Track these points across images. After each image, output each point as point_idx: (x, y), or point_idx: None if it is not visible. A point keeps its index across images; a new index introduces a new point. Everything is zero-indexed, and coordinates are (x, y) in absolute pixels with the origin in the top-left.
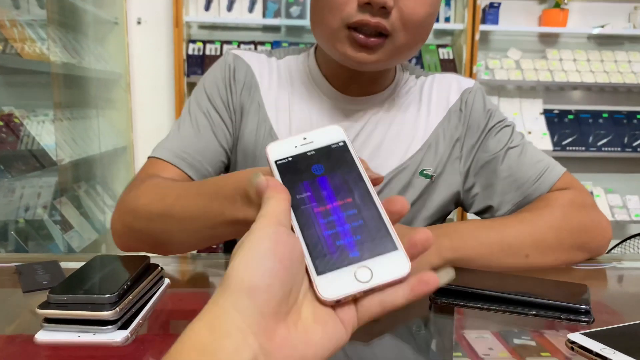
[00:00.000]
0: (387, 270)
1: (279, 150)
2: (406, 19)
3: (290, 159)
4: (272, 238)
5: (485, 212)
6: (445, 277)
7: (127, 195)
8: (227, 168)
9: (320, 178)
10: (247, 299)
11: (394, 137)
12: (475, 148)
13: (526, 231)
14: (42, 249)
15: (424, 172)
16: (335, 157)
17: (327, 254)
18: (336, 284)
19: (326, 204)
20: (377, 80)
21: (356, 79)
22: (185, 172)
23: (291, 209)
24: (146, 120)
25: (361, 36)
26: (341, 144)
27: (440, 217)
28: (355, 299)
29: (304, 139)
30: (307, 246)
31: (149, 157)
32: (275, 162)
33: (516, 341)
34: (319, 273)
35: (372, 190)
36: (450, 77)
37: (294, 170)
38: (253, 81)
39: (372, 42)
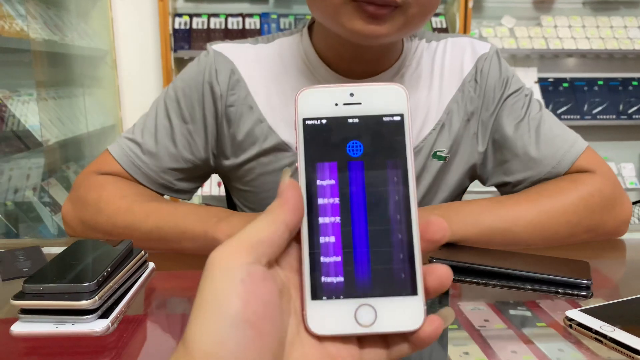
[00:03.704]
0: (394, 317)
1: (313, 103)
2: None
3: (324, 121)
4: (242, 293)
5: (502, 187)
6: (449, 319)
7: (87, 193)
8: (225, 176)
9: (355, 164)
10: None
11: None
12: (491, 121)
13: (538, 223)
14: (32, 232)
15: (437, 153)
16: (384, 136)
17: (329, 275)
18: (330, 316)
19: (351, 206)
20: (384, 56)
21: (360, 58)
22: (139, 181)
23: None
24: (134, 97)
25: (371, 7)
26: (397, 118)
27: (457, 196)
28: (359, 338)
29: (351, 95)
30: (310, 258)
31: (107, 149)
32: (304, 120)
33: (512, 312)
34: (313, 297)
35: (415, 204)
36: (464, 41)
37: (325, 140)
38: (240, 82)
39: (383, 13)
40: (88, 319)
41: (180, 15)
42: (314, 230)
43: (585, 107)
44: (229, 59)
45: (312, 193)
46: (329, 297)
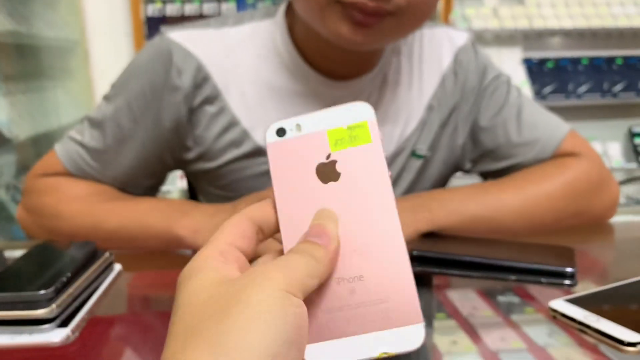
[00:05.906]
0: None
1: None
2: (413, 2)
3: None
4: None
5: (486, 175)
6: None
7: (42, 198)
8: (191, 176)
9: None
10: None
11: (390, 120)
12: (471, 112)
13: (523, 210)
14: (5, 232)
15: (417, 152)
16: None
17: None
18: None
19: None
20: (372, 57)
21: (348, 60)
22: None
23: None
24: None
25: (358, 14)
26: None
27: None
28: None
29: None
30: None
31: (54, 150)
32: None
33: (500, 299)
34: None
35: None
36: (440, 33)
37: None
38: (208, 81)
39: (371, 22)
40: (46, 329)
41: (152, 1)
42: None
43: (571, 87)
44: (192, 54)
45: None
46: None
